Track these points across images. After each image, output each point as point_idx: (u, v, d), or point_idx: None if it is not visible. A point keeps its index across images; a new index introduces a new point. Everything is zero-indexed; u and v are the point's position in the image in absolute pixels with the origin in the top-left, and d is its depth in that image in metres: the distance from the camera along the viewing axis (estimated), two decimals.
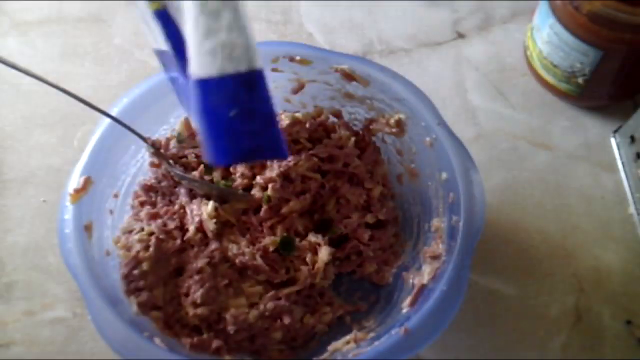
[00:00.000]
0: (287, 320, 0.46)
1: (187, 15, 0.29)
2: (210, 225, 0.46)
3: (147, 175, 0.52)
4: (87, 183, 0.46)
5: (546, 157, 0.63)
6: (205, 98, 0.30)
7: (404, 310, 0.45)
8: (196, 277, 0.47)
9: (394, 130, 0.51)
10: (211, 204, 0.47)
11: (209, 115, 0.30)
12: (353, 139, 0.52)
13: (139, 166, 0.52)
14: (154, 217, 0.49)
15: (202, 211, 0.46)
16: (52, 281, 0.56)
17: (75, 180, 0.46)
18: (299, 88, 0.53)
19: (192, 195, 0.50)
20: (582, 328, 0.54)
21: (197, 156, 0.51)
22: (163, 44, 0.35)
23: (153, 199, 0.52)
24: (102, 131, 0.48)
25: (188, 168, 0.51)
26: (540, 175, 0.62)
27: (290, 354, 0.47)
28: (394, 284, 0.50)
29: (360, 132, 0.53)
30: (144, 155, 0.52)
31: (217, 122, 0.30)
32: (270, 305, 0.46)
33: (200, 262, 0.46)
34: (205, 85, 0.29)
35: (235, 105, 0.29)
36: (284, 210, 0.47)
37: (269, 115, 0.30)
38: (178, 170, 0.50)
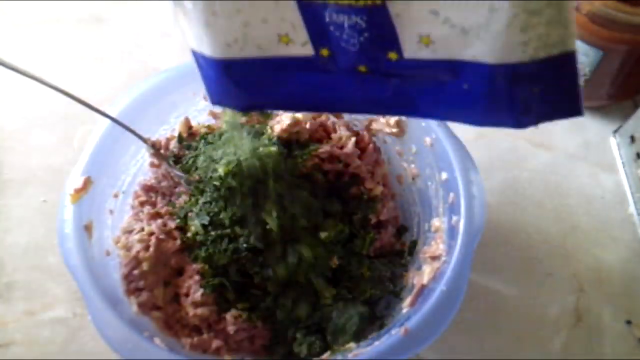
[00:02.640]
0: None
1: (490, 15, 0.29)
2: None
3: (147, 175, 0.52)
4: (87, 183, 0.46)
5: (546, 157, 0.63)
6: (504, 80, 0.31)
7: (404, 310, 0.45)
8: (196, 277, 0.47)
9: (394, 130, 0.51)
10: None
11: (497, 93, 0.32)
12: (353, 139, 0.52)
13: (139, 166, 0.52)
14: (154, 217, 0.49)
15: None
16: (52, 281, 0.56)
17: (75, 180, 0.46)
18: None
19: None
20: (582, 328, 0.54)
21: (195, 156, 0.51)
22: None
23: (153, 199, 0.52)
24: (102, 131, 0.48)
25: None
26: (540, 175, 0.62)
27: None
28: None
29: (361, 132, 0.53)
30: (144, 155, 0.52)
31: (515, 100, 0.32)
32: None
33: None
34: (508, 69, 0.31)
35: (540, 83, 0.31)
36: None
37: (575, 85, 0.31)
38: (178, 171, 0.50)
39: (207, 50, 0.36)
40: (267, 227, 0.46)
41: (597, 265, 0.57)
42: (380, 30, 0.32)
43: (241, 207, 0.46)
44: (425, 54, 0.32)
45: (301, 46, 0.34)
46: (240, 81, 0.38)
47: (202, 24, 0.35)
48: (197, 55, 0.38)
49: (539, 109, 0.32)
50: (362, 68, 0.35)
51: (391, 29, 0.32)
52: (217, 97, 0.40)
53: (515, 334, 0.53)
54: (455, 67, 0.32)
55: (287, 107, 0.45)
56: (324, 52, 0.34)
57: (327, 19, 0.32)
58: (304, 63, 0.35)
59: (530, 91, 0.32)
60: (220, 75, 0.38)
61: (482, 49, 0.31)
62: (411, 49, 0.32)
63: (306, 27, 0.33)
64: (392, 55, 0.33)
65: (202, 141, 0.51)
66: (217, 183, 0.46)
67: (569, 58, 0.30)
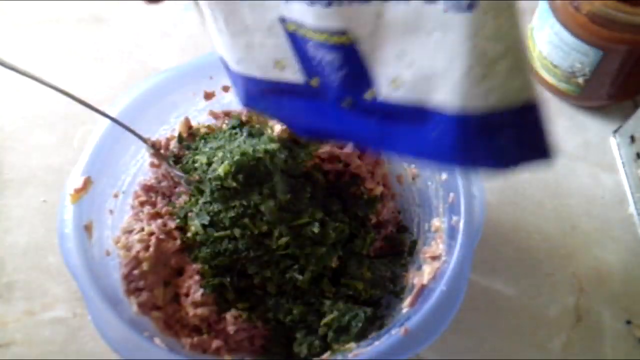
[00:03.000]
0: None
1: (451, 64, 0.29)
2: None
3: (147, 175, 0.52)
4: (87, 183, 0.46)
5: None
6: (465, 131, 0.31)
7: (404, 310, 0.45)
8: (196, 277, 0.47)
9: None
10: None
11: (465, 142, 0.32)
12: None
13: (139, 166, 0.52)
14: (154, 217, 0.49)
15: None
16: (52, 281, 0.56)
17: (75, 180, 0.46)
18: None
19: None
20: (582, 328, 0.54)
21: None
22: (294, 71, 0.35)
23: (153, 199, 0.52)
24: (102, 131, 0.48)
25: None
26: (540, 175, 0.62)
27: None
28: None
29: None
30: (144, 155, 0.52)
31: (481, 149, 0.32)
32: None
33: None
34: (473, 119, 0.31)
35: (507, 132, 0.31)
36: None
37: (540, 133, 0.31)
38: (178, 171, 0.50)
39: (226, 58, 0.38)
40: (267, 226, 0.46)
41: (597, 265, 0.57)
42: (355, 69, 0.32)
43: (241, 207, 0.46)
44: (397, 95, 0.32)
45: (293, 74, 0.35)
46: (256, 95, 0.39)
47: (216, 35, 0.36)
48: (222, 59, 0.39)
49: (509, 156, 0.32)
50: (348, 101, 0.35)
51: (364, 69, 0.32)
52: (245, 99, 0.41)
53: (515, 334, 0.53)
54: (424, 114, 0.32)
55: (290, 126, 0.45)
56: (314, 82, 0.35)
57: (311, 52, 0.32)
58: (297, 89, 0.36)
59: (498, 139, 0.31)
60: (242, 84, 0.39)
61: (445, 96, 0.30)
62: (384, 91, 0.32)
63: (297, 56, 0.34)
64: (369, 95, 0.33)
65: (202, 141, 0.51)
66: (217, 183, 0.46)
67: (531, 108, 0.30)
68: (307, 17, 0.30)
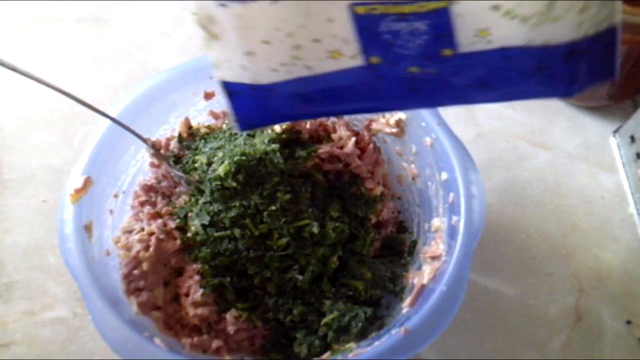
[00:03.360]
0: None
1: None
2: None
3: (147, 175, 0.52)
4: (87, 183, 0.46)
5: (546, 157, 0.63)
6: (557, 58, 0.34)
7: (404, 310, 0.45)
8: (196, 277, 0.47)
9: (394, 130, 0.51)
10: None
11: (549, 70, 0.35)
12: (353, 139, 0.52)
13: (139, 166, 0.52)
14: (154, 217, 0.49)
15: None
16: (52, 281, 0.56)
17: (75, 180, 0.45)
18: None
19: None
20: (582, 328, 0.54)
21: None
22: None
23: (153, 199, 0.52)
24: (102, 131, 0.48)
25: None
26: (540, 175, 0.62)
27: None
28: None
29: (360, 132, 0.53)
30: (144, 155, 0.52)
31: (560, 73, 0.35)
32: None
33: None
34: (562, 48, 0.33)
35: (589, 56, 0.34)
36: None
37: (615, 53, 0.34)
38: (178, 171, 0.50)
39: (248, 79, 0.37)
40: (267, 227, 0.46)
41: (597, 265, 0.57)
42: (440, 30, 0.33)
43: (241, 207, 0.46)
44: (480, 45, 0.34)
45: (350, 59, 0.35)
46: (278, 101, 0.39)
47: (243, 54, 0.35)
48: (231, 86, 0.38)
49: (583, 78, 0.35)
50: (414, 69, 0.36)
51: (450, 29, 0.33)
52: (248, 122, 0.41)
53: (515, 334, 0.53)
54: (510, 53, 0.34)
55: (324, 114, 0.46)
56: (374, 59, 0.35)
57: (383, 28, 0.33)
58: (351, 73, 0.36)
59: (579, 63, 0.34)
60: (259, 99, 0.39)
61: (539, 33, 0.33)
62: (467, 44, 0.34)
63: (359, 39, 0.34)
64: (447, 52, 0.34)
65: (202, 141, 0.51)
66: (217, 183, 0.46)
67: (614, 30, 0.32)
68: None
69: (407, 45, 0.34)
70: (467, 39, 0.33)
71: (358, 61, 0.36)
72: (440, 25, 0.33)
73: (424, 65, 0.36)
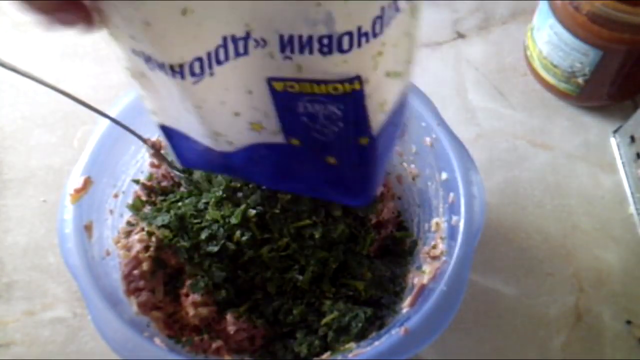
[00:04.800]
0: None
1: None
2: None
3: (147, 175, 0.52)
4: (87, 183, 0.46)
5: (546, 157, 0.63)
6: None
7: (404, 310, 0.45)
8: (196, 277, 0.47)
9: None
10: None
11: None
12: None
13: (139, 166, 0.52)
14: (154, 217, 0.49)
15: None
16: (52, 281, 0.56)
17: (75, 180, 0.46)
18: None
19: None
20: (582, 328, 0.54)
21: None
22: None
23: (153, 199, 0.52)
24: (102, 131, 0.48)
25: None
26: (540, 175, 0.62)
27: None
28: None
29: None
30: (144, 155, 0.52)
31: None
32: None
33: None
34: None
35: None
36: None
37: None
38: (178, 171, 0.50)
39: (183, 129, 0.37)
40: (268, 227, 0.46)
41: (597, 265, 0.57)
42: (354, 115, 0.32)
43: (241, 208, 0.46)
44: (382, 118, 0.34)
45: (272, 134, 0.35)
46: (214, 157, 0.38)
47: (174, 111, 0.35)
48: (168, 130, 0.38)
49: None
50: (331, 159, 0.35)
51: (363, 111, 0.32)
52: (188, 161, 0.41)
53: (515, 334, 0.53)
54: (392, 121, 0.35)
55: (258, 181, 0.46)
56: (295, 141, 0.35)
57: (301, 110, 0.32)
58: (273, 147, 0.36)
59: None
60: (195, 147, 0.38)
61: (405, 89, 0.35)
62: (375, 123, 0.33)
63: (278, 117, 0.33)
64: (363, 141, 0.34)
65: None
66: (221, 186, 0.46)
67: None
68: (315, 69, 0.29)
69: (324, 132, 0.33)
70: (375, 118, 0.33)
71: (279, 139, 0.35)
72: (354, 109, 0.32)
73: (341, 157, 0.35)
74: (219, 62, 0.29)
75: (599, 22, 0.54)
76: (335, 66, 0.29)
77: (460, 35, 0.72)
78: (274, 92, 0.32)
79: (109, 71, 0.69)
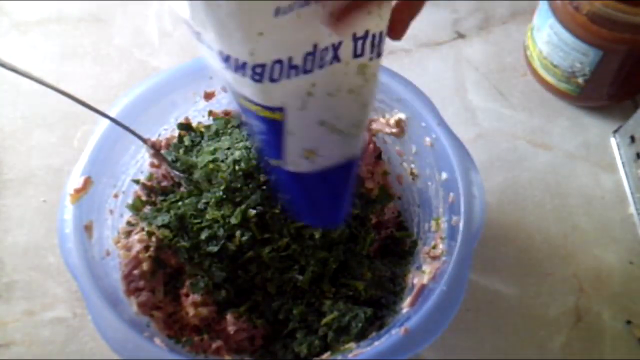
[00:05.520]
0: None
1: None
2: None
3: (147, 175, 0.52)
4: (87, 183, 0.46)
5: (546, 157, 0.63)
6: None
7: (404, 310, 0.45)
8: (196, 277, 0.47)
9: (394, 130, 0.51)
10: None
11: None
12: None
13: (139, 166, 0.52)
14: (154, 217, 0.49)
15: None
16: (52, 281, 0.56)
17: (75, 180, 0.46)
18: None
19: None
20: (582, 328, 0.54)
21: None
22: None
23: (153, 199, 0.52)
24: (102, 131, 0.48)
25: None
26: (540, 175, 0.62)
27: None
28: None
29: None
30: (144, 155, 0.52)
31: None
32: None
33: None
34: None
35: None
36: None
37: None
38: (178, 171, 0.50)
39: None
40: (268, 227, 0.46)
41: (597, 265, 0.57)
42: (271, 139, 0.34)
43: (241, 208, 0.46)
44: (305, 166, 0.36)
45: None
46: None
47: None
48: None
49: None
50: (273, 161, 0.37)
51: (279, 141, 0.34)
52: None
53: (515, 334, 0.53)
54: (327, 173, 0.37)
55: None
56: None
57: (247, 115, 0.34)
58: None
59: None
60: None
61: (350, 148, 0.36)
62: (293, 163, 0.35)
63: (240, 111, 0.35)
64: (274, 162, 0.36)
65: (202, 141, 0.51)
66: (222, 186, 0.46)
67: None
68: (244, 88, 0.31)
69: (259, 138, 0.35)
70: (294, 158, 0.35)
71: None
72: (274, 135, 0.33)
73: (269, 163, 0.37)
74: None
75: (599, 22, 0.54)
76: (264, 94, 0.30)
77: (460, 35, 0.72)
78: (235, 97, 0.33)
79: (109, 71, 0.69)
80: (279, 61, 0.29)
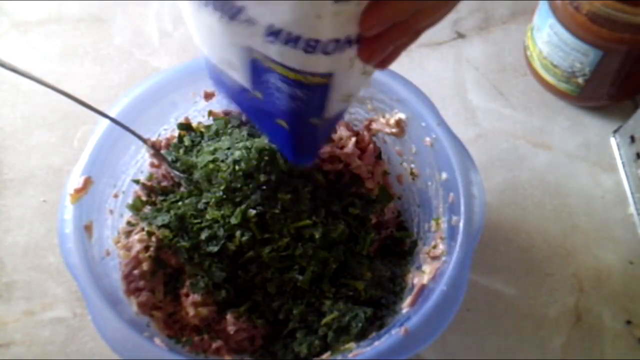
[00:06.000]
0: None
1: None
2: None
3: (147, 175, 0.52)
4: (87, 183, 0.46)
5: (546, 157, 0.63)
6: None
7: (404, 310, 0.45)
8: (196, 277, 0.47)
9: (394, 130, 0.51)
10: None
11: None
12: (353, 139, 0.52)
13: (139, 166, 0.52)
14: (154, 217, 0.49)
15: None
16: (52, 281, 0.56)
17: (75, 180, 0.46)
18: None
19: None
20: (582, 328, 0.54)
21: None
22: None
23: (153, 199, 0.52)
24: (102, 131, 0.48)
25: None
26: (540, 175, 0.62)
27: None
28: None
29: (360, 132, 0.53)
30: (144, 155, 0.52)
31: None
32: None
33: None
34: None
35: None
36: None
37: None
38: (178, 171, 0.50)
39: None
40: (268, 227, 0.46)
41: (597, 265, 0.57)
42: (315, 101, 0.35)
43: (241, 208, 0.46)
44: (339, 108, 0.37)
45: (241, 78, 0.37)
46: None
47: None
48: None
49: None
50: (283, 123, 0.38)
51: (324, 100, 0.35)
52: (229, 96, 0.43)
53: (515, 334, 0.53)
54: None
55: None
56: (257, 94, 0.37)
57: (270, 79, 0.34)
58: (241, 87, 0.38)
59: None
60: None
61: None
62: (332, 110, 0.37)
63: (250, 73, 0.35)
64: (314, 121, 0.37)
65: (202, 141, 0.51)
66: (222, 186, 0.46)
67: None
68: (293, 59, 0.31)
69: (282, 102, 0.36)
70: (333, 106, 0.36)
71: (245, 84, 0.37)
72: (317, 97, 0.34)
73: (291, 124, 0.38)
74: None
75: (599, 22, 0.54)
76: (315, 63, 0.31)
77: (460, 35, 0.72)
78: (250, 59, 0.33)
79: (109, 71, 0.69)
80: (336, 40, 0.30)
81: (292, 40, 0.29)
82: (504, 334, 0.53)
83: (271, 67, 0.33)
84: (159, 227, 0.47)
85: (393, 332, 0.41)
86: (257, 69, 0.34)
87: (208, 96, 0.53)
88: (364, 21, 0.28)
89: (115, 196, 0.50)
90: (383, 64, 0.33)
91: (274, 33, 0.29)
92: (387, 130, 0.51)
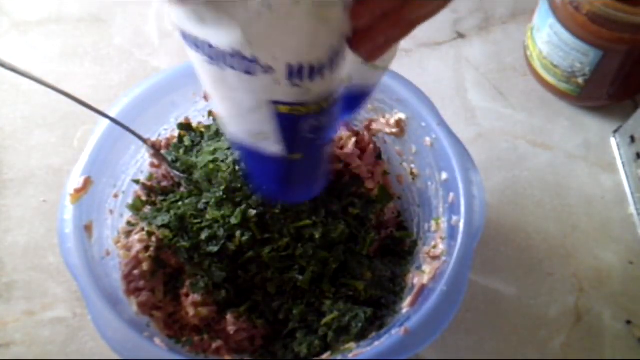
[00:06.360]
0: None
1: None
2: None
3: (147, 175, 0.52)
4: (87, 183, 0.46)
5: (546, 157, 0.63)
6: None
7: (404, 310, 0.45)
8: (196, 277, 0.47)
9: (394, 130, 0.51)
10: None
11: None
12: (353, 139, 0.52)
13: (139, 166, 0.52)
14: (154, 217, 0.49)
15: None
16: (52, 281, 0.56)
17: (75, 180, 0.46)
18: None
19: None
20: (582, 328, 0.54)
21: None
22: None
23: (153, 199, 0.52)
24: (102, 131, 0.48)
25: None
26: (540, 175, 0.62)
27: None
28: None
29: (361, 133, 0.53)
30: (144, 155, 0.52)
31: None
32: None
33: None
34: None
35: None
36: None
37: None
38: (178, 171, 0.50)
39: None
40: (268, 227, 0.46)
41: (597, 265, 0.57)
42: (332, 123, 0.35)
43: (241, 208, 0.46)
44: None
45: (274, 146, 0.35)
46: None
47: None
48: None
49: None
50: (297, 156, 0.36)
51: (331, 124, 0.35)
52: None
53: (515, 334, 0.53)
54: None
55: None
56: (296, 156, 0.35)
57: (305, 127, 0.33)
58: (275, 158, 0.36)
59: None
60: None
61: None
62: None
63: (281, 133, 0.33)
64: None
65: (202, 141, 0.51)
66: (222, 186, 0.46)
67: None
68: (322, 88, 0.30)
69: (317, 139, 0.34)
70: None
71: (280, 151, 0.35)
72: (328, 120, 0.33)
73: (309, 154, 0.36)
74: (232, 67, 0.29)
75: (599, 22, 0.54)
76: (300, 94, 0.30)
77: (460, 35, 0.72)
78: (279, 114, 0.32)
79: (109, 71, 0.69)
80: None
81: (316, 72, 0.29)
82: (504, 334, 0.53)
83: (302, 113, 0.31)
84: (159, 227, 0.47)
85: (393, 332, 0.41)
86: (285, 122, 0.32)
87: (208, 96, 0.53)
88: (355, 10, 0.28)
89: (115, 196, 0.50)
90: (372, 55, 0.31)
91: (297, 72, 0.28)
92: (387, 130, 0.51)
